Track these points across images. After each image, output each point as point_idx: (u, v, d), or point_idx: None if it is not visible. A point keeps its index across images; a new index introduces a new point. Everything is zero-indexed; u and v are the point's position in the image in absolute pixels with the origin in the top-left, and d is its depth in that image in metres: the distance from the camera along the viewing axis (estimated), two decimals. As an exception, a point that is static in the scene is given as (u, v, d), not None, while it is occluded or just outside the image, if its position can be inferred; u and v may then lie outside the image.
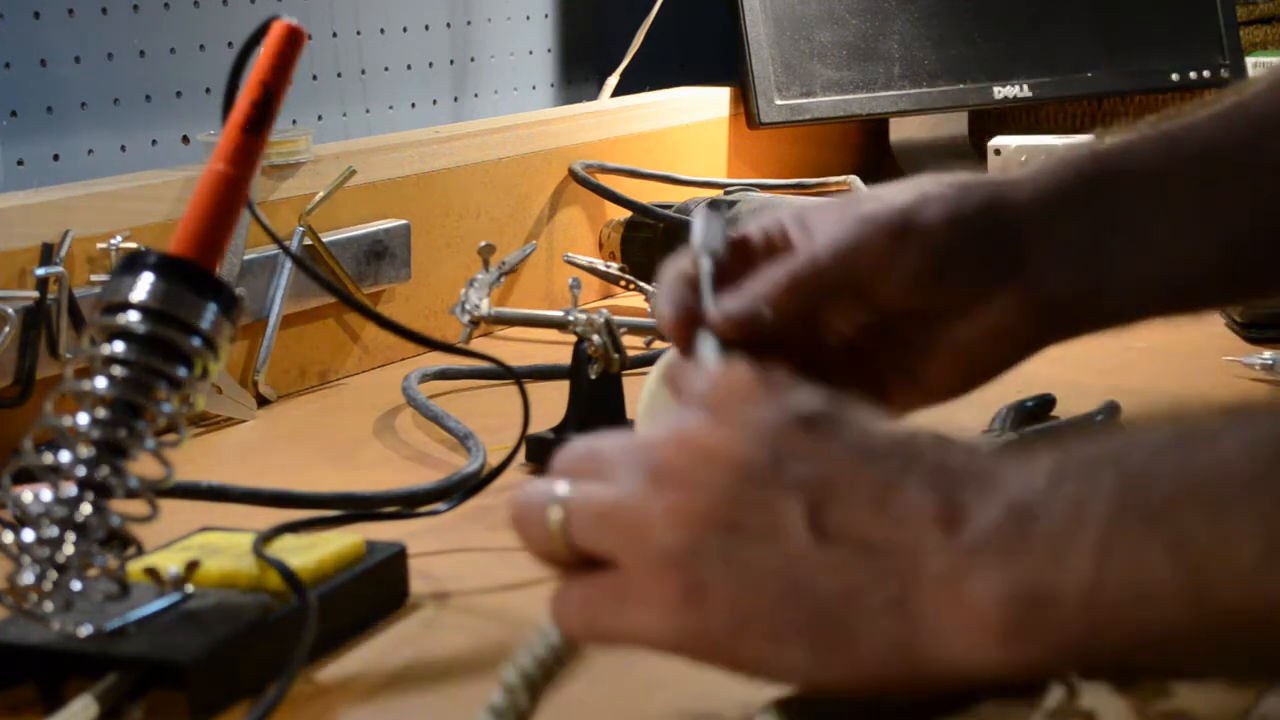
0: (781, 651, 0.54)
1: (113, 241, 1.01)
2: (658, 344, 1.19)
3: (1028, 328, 0.74)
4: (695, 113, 1.55)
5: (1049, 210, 0.73)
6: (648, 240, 1.33)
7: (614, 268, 1.33)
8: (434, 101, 1.48)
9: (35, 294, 0.98)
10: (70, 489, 0.66)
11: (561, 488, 0.57)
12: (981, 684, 0.54)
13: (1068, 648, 0.52)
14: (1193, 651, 0.52)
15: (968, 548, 0.52)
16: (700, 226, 0.74)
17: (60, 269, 0.99)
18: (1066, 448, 0.54)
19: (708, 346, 0.68)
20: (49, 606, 0.65)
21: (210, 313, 0.68)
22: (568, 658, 0.59)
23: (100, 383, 0.67)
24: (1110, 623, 0.51)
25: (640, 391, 0.86)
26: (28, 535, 0.65)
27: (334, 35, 1.38)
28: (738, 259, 0.73)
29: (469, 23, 1.51)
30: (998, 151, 1.53)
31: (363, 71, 1.41)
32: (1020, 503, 0.53)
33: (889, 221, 0.71)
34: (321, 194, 1.16)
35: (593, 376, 0.96)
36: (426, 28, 1.46)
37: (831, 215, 0.73)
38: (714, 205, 0.73)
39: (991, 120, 1.78)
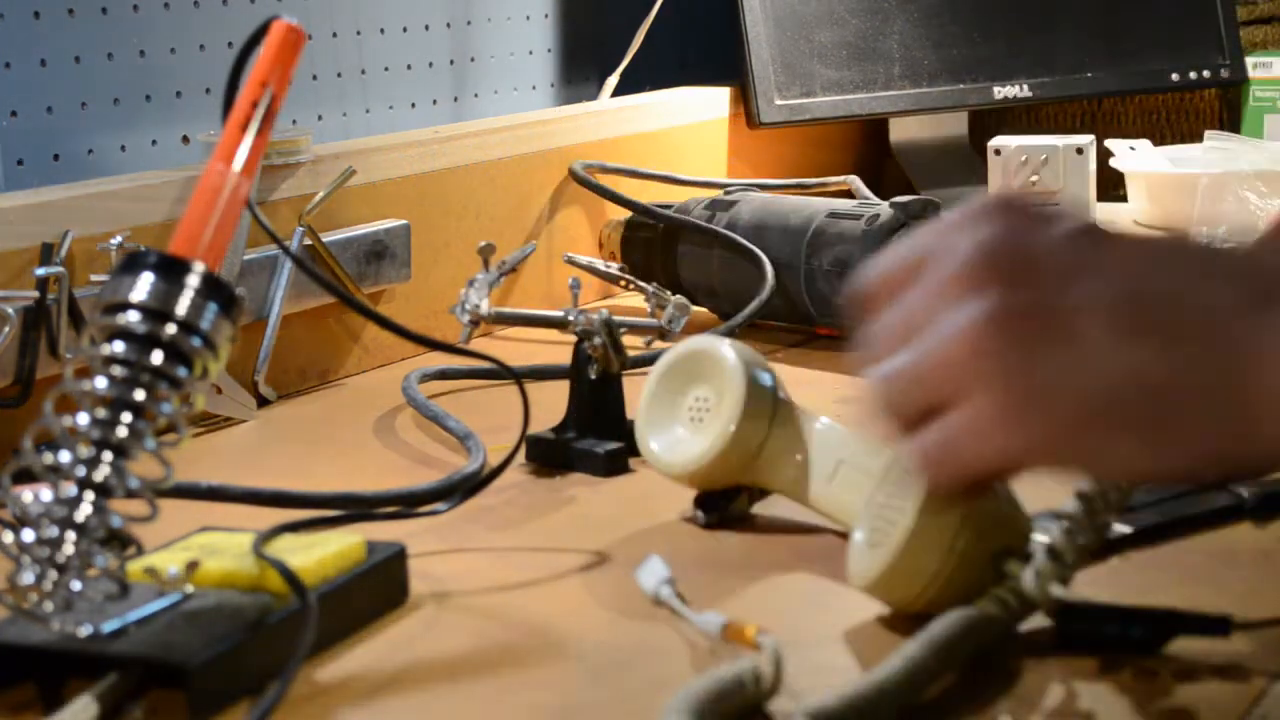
0: (1118, 447, 0.59)
1: (113, 241, 1.01)
2: (658, 344, 1.19)
3: None
4: (695, 113, 1.55)
5: None
6: (648, 240, 1.33)
7: (614, 268, 1.33)
8: (434, 101, 1.48)
9: (35, 294, 0.98)
10: (70, 489, 0.66)
11: (888, 366, 0.63)
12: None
13: None
14: None
15: None
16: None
17: (60, 269, 0.99)
18: None
19: None
20: (49, 606, 0.65)
21: (210, 313, 0.68)
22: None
23: (100, 383, 0.67)
24: None
25: (640, 391, 0.86)
26: (28, 535, 0.65)
27: (334, 35, 1.38)
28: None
29: (469, 23, 1.51)
30: (998, 151, 1.53)
31: (363, 71, 1.41)
32: None
33: None
34: (321, 194, 1.16)
35: (593, 376, 0.96)
36: (426, 28, 1.46)
37: None
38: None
39: (992, 120, 1.78)
